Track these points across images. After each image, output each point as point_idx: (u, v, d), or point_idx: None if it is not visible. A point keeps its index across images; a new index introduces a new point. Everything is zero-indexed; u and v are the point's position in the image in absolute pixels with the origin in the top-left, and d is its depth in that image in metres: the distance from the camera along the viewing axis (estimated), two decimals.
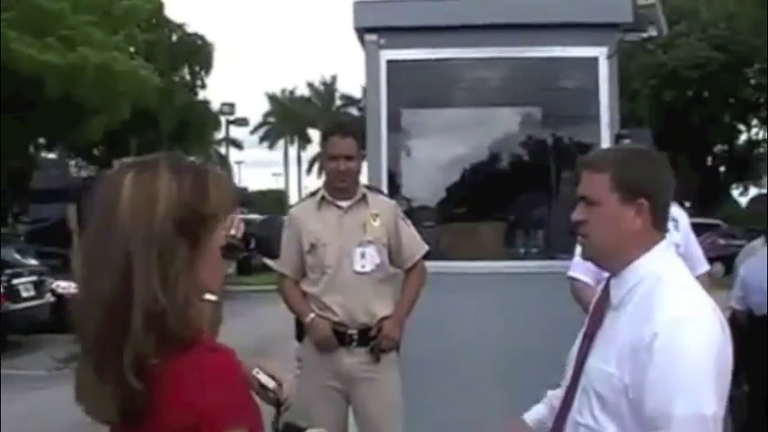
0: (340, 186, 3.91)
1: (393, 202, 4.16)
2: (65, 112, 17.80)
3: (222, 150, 40.16)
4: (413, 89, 5.61)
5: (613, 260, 2.01)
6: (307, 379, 3.84)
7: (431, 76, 5.54)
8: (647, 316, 1.87)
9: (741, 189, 34.91)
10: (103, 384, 1.46)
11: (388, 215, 3.97)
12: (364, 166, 4.31)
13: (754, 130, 30.61)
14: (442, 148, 6.03)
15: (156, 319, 1.44)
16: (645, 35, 5.18)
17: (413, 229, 4.06)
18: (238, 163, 50.61)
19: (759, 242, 6.42)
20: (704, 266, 4.16)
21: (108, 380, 1.45)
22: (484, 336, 4.74)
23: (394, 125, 5.39)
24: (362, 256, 3.83)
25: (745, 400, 5.68)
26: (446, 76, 5.56)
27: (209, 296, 2.19)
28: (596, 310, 2.05)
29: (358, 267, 3.83)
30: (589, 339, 2.02)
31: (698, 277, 3.69)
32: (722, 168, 32.18)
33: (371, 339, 3.83)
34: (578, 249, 3.73)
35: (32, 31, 16.39)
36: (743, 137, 31.38)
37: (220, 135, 36.58)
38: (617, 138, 4.39)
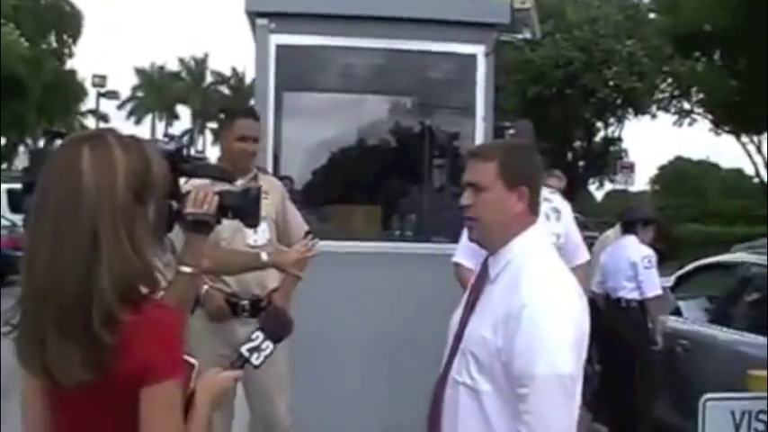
0: (244, 166, 4.04)
1: (280, 183, 4.36)
2: None
3: (89, 123, 38.87)
4: (296, 73, 5.79)
5: (495, 240, 2.28)
6: (198, 349, 3.96)
7: (314, 61, 5.72)
8: (517, 289, 2.16)
9: (597, 184, 36.64)
10: (70, 343, 1.58)
11: (277, 194, 4.17)
12: None
13: (611, 129, 32.17)
14: (322, 133, 6.22)
15: (127, 279, 1.60)
16: (520, 36, 5.54)
17: (296, 210, 4.29)
18: None
19: (612, 232, 6.97)
20: (585, 256, 4.35)
21: (77, 338, 1.58)
22: (361, 313, 4.98)
23: (277, 108, 5.57)
24: (255, 230, 3.98)
25: (596, 377, 6.22)
26: (330, 63, 5.77)
27: (185, 269, 2.35)
28: (476, 284, 2.34)
29: (251, 241, 3.97)
30: (470, 308, 2.29)
31: (579, 266, 4.12)
32: (581, 163, 33.62)
33: (262, 310, 3.99)
34: (464, 235, 4.06)
35: None
36: (600, 134, 32.90)
37: (87, 107, 35.42)
38: (501, 128, 4.63)
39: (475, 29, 5.26)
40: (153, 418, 1.61)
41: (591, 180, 35.51)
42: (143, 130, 59.56)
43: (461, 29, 5.27)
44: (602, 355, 6.08)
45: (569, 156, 33.10)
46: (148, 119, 57.79)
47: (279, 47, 5.28)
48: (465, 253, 4.09)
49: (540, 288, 2.16)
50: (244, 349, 1.99)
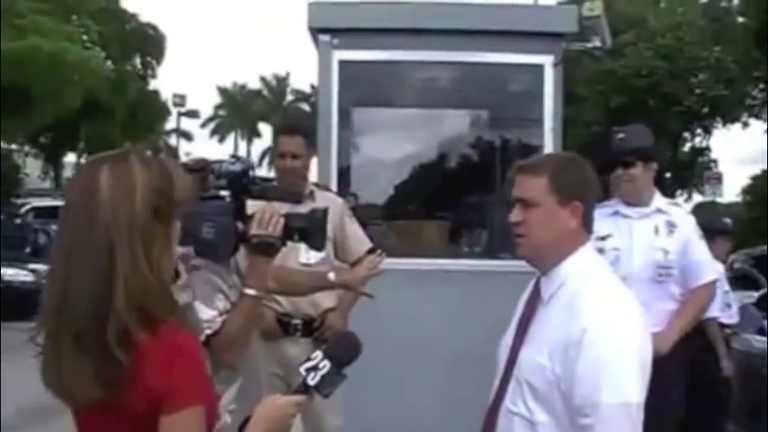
0: (286, 182, 3.97)
1: (340, 199, 4.26)
2: (13, 98, 17.54)
3: (172, 141, 39.85)
4: (364, 88, 5.74)
5: (546, 259, 2.15)
6: (250, 366, 3.94)
7: (382, 76, 5.67)
8: (575, 312, 2.02)
9: (685, 196, 35.67)
10: (84, 362, 1.56)
11: (335, 210, 4.07)
12: (314, 164, 4.42)
13: (698, 138, 31.26)
14: (391, 148, 6.16)
15: (142, 297, 1.56)
16: (589, 45, 5.36)
17: (357, 226, 4.17)
18: (188, 155, 50.17)
19: None
20: (708, 275, 3.95)
21: (91, 357, 1.56)
22: (425, 331, 4.87)
23: (345, 123, 5.52)
24: (308, 249, 3.93)
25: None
26: (396, 77, 5.70)
27: (249, 291, 2.36)
28: (528, 306, 2.20)
29: (303, 260, 3.89)
30: (522, 333, 2.15)
31: (702, 286, 3.84)
32: (667, 175, 32.81)
33: (315, 330, 3.94)
34: None
35: None
36: (687, 144, 32.03)
37: (170, 126, 36.32)
38: (612, 133, 4.31)
39: (542, 39, 5.13)
40: None
41: (679, 192, 34.60)
42: (226, 148, 60.73)
43: (528, 39, 5.14)
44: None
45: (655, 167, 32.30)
46: (231, 137, 58.92)
47: (342, 62, 5.23)
48: None
49: (602, 311, 2.02)
50: (302, 369, 1.92)
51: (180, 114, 34.11)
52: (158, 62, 28.68)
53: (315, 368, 1.89)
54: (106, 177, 1.61)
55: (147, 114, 27.62)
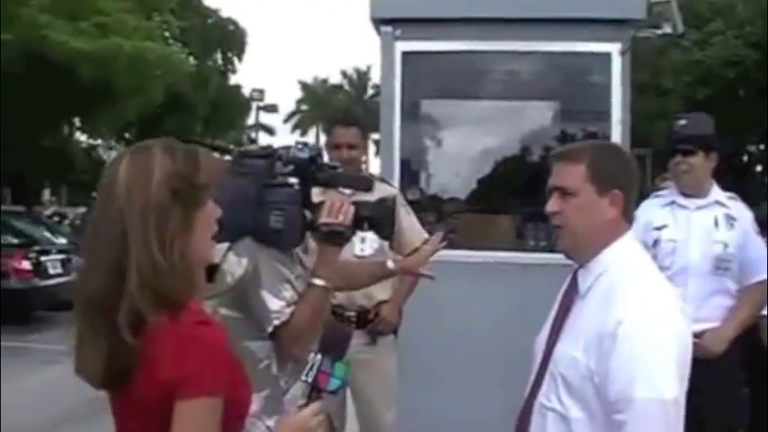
0: None
1: (395, 190, 4.22)
2: (98, 94, 18.06)
3: (253, 136, 40.39)
4: (430, 80, 5.68)
5: (585, 250, 2.07)
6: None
7: (447, 67, 5.60)
8: (611, 304, 1.94)
9: None
10: (97, 344, 1.60)
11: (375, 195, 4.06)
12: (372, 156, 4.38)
13: None
14: (458, 140, 6.08)
15: (153, 279, 1.58)
16: (659, 32, 5.19)
17: (414, 218, 4.14)
18: None
19: None
20: (764, 272, 3.83)
21: (101, 339, 1.59)
22: (484, 325, 4.80)
23: (411, 115, 5.47)
24: (362, 240, 3.89)
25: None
26: (462, 69, 5.61)
27: (318, 281, 2.33)
28: (565, 299, 2.13)
29: (358, 251, 3.89)
30: (558, 327, 2.09)
31: (756, 283, 3.74)
32: (758, 168, 31.76)
33: (369, 322, 3.93)
34: None
35: (67, 17, 16.60)
36: None
37: (251, 121, 36.83)
38: (673, 120, 4.18)
39: (609, 26, 4.97)
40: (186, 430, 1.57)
41: None
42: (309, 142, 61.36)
43: (595, 27, 4.99)
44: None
45: (744, 159, 31.33)
46: (313, 131, 59.52)
47: (405, 54, 5.18)
48: None
49: (638, 303, 1.94)
50: (303, 377, 1.88)
51: (259, 109, 34.55)
52: (239, 57, 29.12)
53: (311, 367, 1.85)
54: (125, 164, 1.66)
55: (228, 109, 28.09)
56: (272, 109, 36.98)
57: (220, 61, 28.54)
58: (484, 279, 4.92)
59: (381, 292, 3.96)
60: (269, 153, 2.43)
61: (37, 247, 12.44)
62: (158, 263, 1.59)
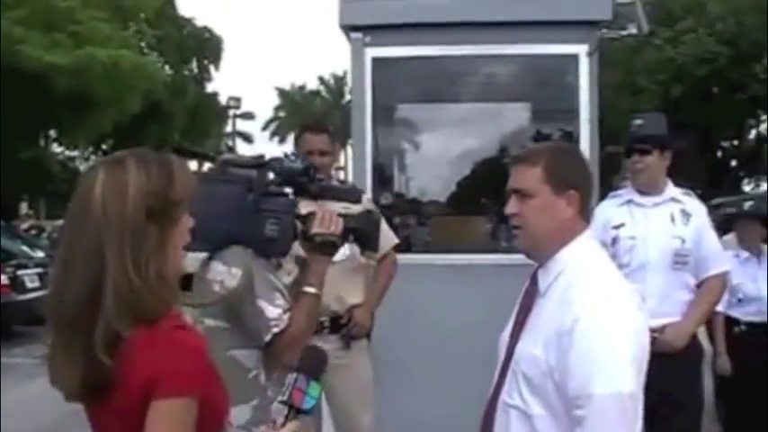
0: None
1: (366, 194, 4.26)
2: (73, 105, 17.99)
3: (230, 144, 40.30)
4: (402, 85, 5.72)
5: (544, 249, 2.13)
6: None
7: (419, 72, 5.63)
8: (569, 303, 1.99)
9: (753, 185, 34.74)
10: (71, 361, 1.60)
11: (359, 207, 4.08)
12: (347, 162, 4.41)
13: (764, 126, 30.44)
14: (432, 143, 6.12)
15: (129, 298, 1.58)
16: (624, 33, 5.26)
17: (383, 222, 4.16)
18: None
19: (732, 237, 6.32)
20: (721, 265, 3.93)
21: (76, 356, 1.59)
22: (460, 326, 4.84)
23: (384, 120, 5.52)
24: None
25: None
26: (431, 73, 5.65)
27: (310, 289, 2.38)
28: (525, 298, 2.18)
29: None
30: (519, 325, 2.14)
31: (714, 276, 3.80)
32: (733, 163, 32.06)
33: (343, 327, 3.94)
34: None
35: (42, 28, 16.57)
36: (753, 132, 31.22)
37: (228, 129, 36.74)
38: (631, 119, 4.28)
39: (576, 27, 5.04)
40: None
41: (746, 180, 33.75)
42: (287, 149, 61.24)
43: (561, 29, 5.06)
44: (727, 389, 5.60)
45: (719, 155, 31.61)
46: (291, 138, 59.35)
47: (375, 60, 5.22)
48: None
49: (594, 301, 1.99)
50: (280, 397, 1.86)
51: (235, 117, 34.55)
52: (216, 65, 29.09)
53: (287, 386, 1.84)
54: (100, 181, 1.64)
55: (205, 118, 28.03)
56: (248, 116, 37.03)
57: (196, 70, 28.51)
58: (459, 281, 4.96)
59: (353, 296, 3.99)
60: (262, 163, 2.46)
61: (14, 261, 12.37)
62: (134, 282, 1.59)
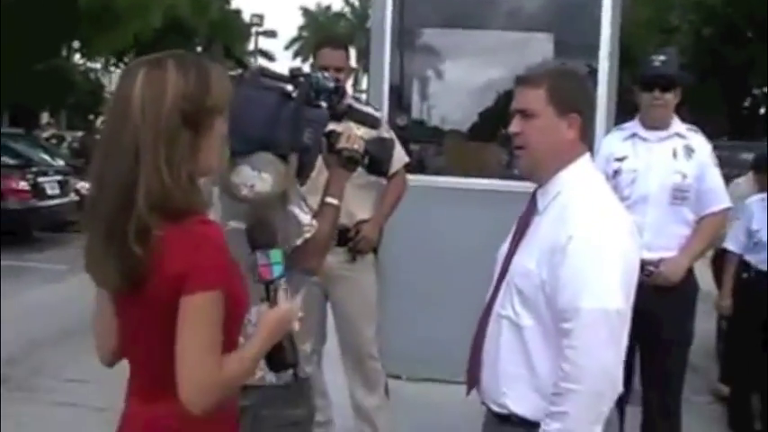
0: None
1: (378, 113, 4.22)
2: (96, 17, 17.91)
3: (253, 62, 39.99)
4: (423, 8, 5.71)
5: (544, 170, 2.18)
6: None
7: None
8: (564, 221, 2.07)
9: None
10: (110, 253, 1.69)
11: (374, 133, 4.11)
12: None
13: None
14: (450, 70, 6.13)
15: (160, 197, 1.66)
16: None
17: (396, 141, 4.20)
18: None
19: (744, 180, 6.16)
20: (722, 203, 3.88)
21: (114, 248, 1.68)
22: (470, 247, 4.91)
23: (403, 43, 5.52)
24: None
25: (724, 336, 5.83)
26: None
27: (332, 200, 2.49)
28: (524, 216, 2.24)
29: None
30: (516, 240, 2.21)
31: (714, 213, 3.81)
32: (762, 110, 31.55)
33: (349, 240, 4.00)
34: None
35: None
36: None
37: (251, 47, 36.46)
38: (651, 54, 4.20)
39: None
40: (183, 327, 1.66)
41: None
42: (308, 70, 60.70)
43: None
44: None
45: (748, 102, 31.08)
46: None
47: None
48: None
49: (589, 219, 2.07)
50: (252, 282, 1.93)
51: (258, 34, 34.18)
52: None
53: (251, 269, 1.92)
54: (140, 82, 1.70)
55: (228, 34, 27.77)
56: (271, 34, 36.58)
57: None
58: (471, 205, 5.04)
59: (362, 211, 4.03)
60: (303, 74, 2.51)
61: (35, 169, 12.50)
62: (166, 182, 1.66)
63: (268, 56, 47.12)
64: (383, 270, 4.29)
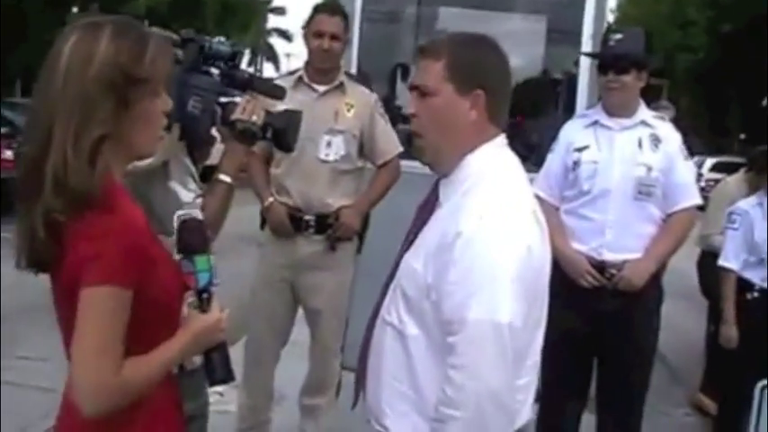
0: (321, 67, 3.73)
1: (374, 95, 3.92)
2: None
3: (273, 41, 39.72)
4: None
5: (445, 159, 1.85)
6: (262, 263, 3.84)
7: None
8: (456, 214, 1.74)
9: None
10: (23, 230, 1.58)
11: (365, 107, 3.79)
12: None
13: None
14: None
15: (63, 180, 1.51)
16: None
17: (389, 127, 3.87)
18: (288, 55, 50.18)
19: (733, 179, 5.62)
20: (692, 199, 3.50)
21: (25, 228, 1.57)
22: None
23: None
24: (329, 144, 3.68)
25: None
26: None
27: (224, 177, 2.30)
28: (423, 209, 1.91)
29: (322, 155, 3.68)
30: (412, 237, 1.88)
31: (683, 210, 3.42)
32: None
33: (329, 227, 3.73)
34: (547, 160, 3.54)
35: None
36: None
37: (268, 26, 36.14)
38: (607, 33, 3.85)
39: None
40: (77, 324, 1.53)
41: None
42: None
43: None
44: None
45: (764, 102, 30.58)
46: None
47: None
48: (542, 182, 3.53)
49: (481, 213, 1.71)
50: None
51: (267, 11, 33.77)
52: None
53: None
54: (70, 45, 1.57)
55: (240, 11, 27.46)
56: (279, 11, 36.06)
57: None
58: None
59: (342, 199, 3.75)
60: (190, 38, 2.33)
61: (20, 138, 12.28)
62: (69, 162, 1.51)
63: (286, 35, 46.83)
64: (363, 261, 4.00)
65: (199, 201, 2.25)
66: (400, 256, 1.87)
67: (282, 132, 2.40)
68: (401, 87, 5.35)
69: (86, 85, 1.53)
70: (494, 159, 1.83)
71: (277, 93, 2.52)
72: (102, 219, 1.53)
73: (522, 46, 5.81)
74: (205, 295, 1.69)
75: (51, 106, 1.54)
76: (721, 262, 4.36)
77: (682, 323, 6.46)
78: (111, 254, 1.51)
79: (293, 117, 2.45)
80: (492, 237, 1.69)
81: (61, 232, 1.53)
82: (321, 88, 3.75)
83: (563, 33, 5.62)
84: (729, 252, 4.32)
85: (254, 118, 2.29)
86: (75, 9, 21.12)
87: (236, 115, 2.29)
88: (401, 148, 3.84)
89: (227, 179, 2.29)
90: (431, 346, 1.74)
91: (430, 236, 1.80)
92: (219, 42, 2.35)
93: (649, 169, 3.41)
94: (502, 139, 1.87)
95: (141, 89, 1.58)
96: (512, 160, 1.88)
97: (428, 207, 1.89)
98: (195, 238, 1.70)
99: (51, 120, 1.53)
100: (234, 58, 2.36)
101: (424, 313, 1.74)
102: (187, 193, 2.25)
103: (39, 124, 1.56)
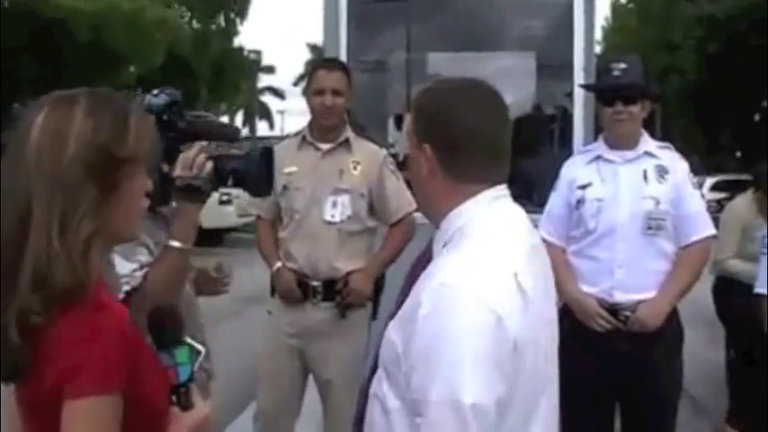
0: (324, 124, 3.59)
1: (383, 151, 3.75)
2: (95, 58, 17.85)
3: (266, 99, 40.06)
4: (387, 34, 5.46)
5: (426, 211, 1.75)
6: (270, 331, 3.69)
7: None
8: (425, 278, 1.57)
9: None
10: None
11: (372, 164, 3.62)
12: None
13: None
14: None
15: (45, 274, 1.35)
16: None
17: (402, 183, 3.61)
18: (281, 112, 50.65)
19: (742, 198, 5.44)
20: (705, 230, 3.32)
21: None
22: None
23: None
24: (334, 204, 3.52)
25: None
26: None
27: (174, 243, 2.11)
28: (417, 265, 1.77)
29: (328, 216, 3.52)
30: (402, 298, 1.70)
31: (697, 242, 3.25)
32: None
33: (338, 293, 3.55)
34: (550, 200, 3.43)
35: None
36: None
37: (262, 85, 36.51)
38: (607, 62, 3.53)
39: None
40: None
41: None
42: None
43: None
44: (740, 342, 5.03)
45: (756, 117, 30.65)
46: None
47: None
48: (546, 224, 3.40)
49: (445, 280, 1.51)
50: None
51: (257, 70, 34.15)
52: (242, 19, 28.71)
53: None
54: (40, 123, 1.40)
55: (232, 72, 27.71)
56: (269, 70, 36.37)
57: (223, 23, 28.14)
58: None
59: (350, 263, 3.56)
60: (134, 95, 2.25)
61: None
62: (56, 254, 1.34)
63: (278, 93, 47.21)
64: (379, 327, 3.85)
65: (140, 273, 2.11)
66: (388, 321, 1.69)
67: (248, 175, 2.17)
68: (397, 136, 5.29)
69: (63, 167, 1.37)
70: (473, 216, 1.64)
71: (227, 133, 2.40)
72: (87, 318, 1.36)
73: (513, 83, 5.81)
74: (183, 389, 1.54)
75: (25, 184, 1.37)
76: (758, 289, 4.03)
77: (701, 352, 6.31)
78: (100, 358, 1.34)
79: (252, 156, 2.21)
80: (453, 308, 1.49)
81: (37, 334, 1.35)
82: (325, 146, 3.61)
83: (553, 68, 5.59)
84: (765, 277, 3.97)
85: (195, 171, 2.10)
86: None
87: (176, 172, 2.11)
88: (414, 206, 3.51)
89: (177, 244, 2.10)
90: (411, 422, 1.54)
91: (410, 298, 1.62)
92: (154, 95, 2.22)
93: (657, 202, 3.25)
94: (493, 192, 1.66)
95: (124, 169, 1.43)
96: (503, 215, 1.68)
97: (421, 263, 1.74)
98: (171, 330, 1.55)
99: (28, 196, 1.37)
100: (170, 108, 2.21)
101: (400, 385, 1.56)
102: (127, 265, 2.10)
103: (12, 201, 1.38)
